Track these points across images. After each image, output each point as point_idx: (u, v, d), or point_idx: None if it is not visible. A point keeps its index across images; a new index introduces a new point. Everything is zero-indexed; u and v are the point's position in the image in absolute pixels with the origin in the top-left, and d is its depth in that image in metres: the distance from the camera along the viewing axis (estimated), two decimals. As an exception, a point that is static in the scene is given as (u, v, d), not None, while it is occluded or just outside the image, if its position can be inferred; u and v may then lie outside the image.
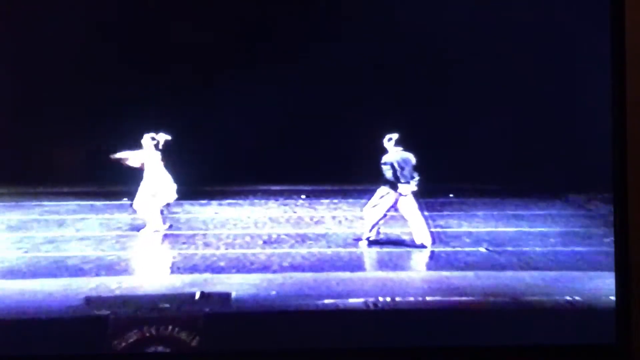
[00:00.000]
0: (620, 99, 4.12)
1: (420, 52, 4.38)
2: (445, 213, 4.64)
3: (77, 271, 4.01)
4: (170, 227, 4.40)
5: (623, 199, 4.06)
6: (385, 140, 4.38)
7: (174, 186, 4.57)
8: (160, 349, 3.54)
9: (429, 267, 4.18)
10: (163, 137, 4.44)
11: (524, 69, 4.37)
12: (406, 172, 4.30)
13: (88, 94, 4.31)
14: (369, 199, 4.61)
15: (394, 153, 4.32)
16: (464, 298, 3.84)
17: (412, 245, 4.39)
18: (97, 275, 3.96)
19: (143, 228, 4.52)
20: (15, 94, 4.32)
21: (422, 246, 4.39)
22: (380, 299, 3.80)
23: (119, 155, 4.34)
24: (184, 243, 4.36)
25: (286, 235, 4.45)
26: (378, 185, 4.44)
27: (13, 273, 4.08)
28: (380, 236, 4.44)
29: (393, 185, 4.35)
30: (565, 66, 4.41)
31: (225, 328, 3.62)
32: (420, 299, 3.82)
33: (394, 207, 4.48)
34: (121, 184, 4.51)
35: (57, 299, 3.72)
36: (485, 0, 4.38)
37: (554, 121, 4.36)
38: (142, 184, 4.50)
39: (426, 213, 4.56)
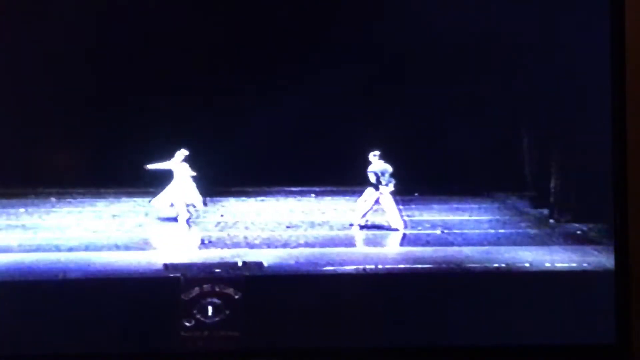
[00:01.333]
0: (620, 100, 4.20)
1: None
2: (412, 206, 5.09)
3: (157, 246, 4.80)
4: (222, 216, 5.08)
5: (623, 199, 4.20)
6: (371, 155, 4.81)
7: (199, 196, 5.01)
8: (214, 300, 4.35)
9: (401, 244, 4.87)
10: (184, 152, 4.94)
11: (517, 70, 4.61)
12: (385, 178, 4.91)
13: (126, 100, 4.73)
14: (360, 196, 5.04)
15: (377, 164, 4.90)
16: (424, 266, 4.58)
17: (389, 229, 5.00)
18: (171, 249, 4.76)
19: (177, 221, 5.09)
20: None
21: (396, 229, 5.00)
22: (367, 266, 4.58)
23: (152, 166, 4.87)
24: (230, 227, 5.01)
25: (301, 221, 5.13)
26: (366, 187, 4.97)
27: (117, 247, 4.73)
28: (368, 223, 5.04)
29: (376, 187, 4.96)
30: (563, 66, 4.57)
31: (259, 286, 4.41)
32: (395, 266, 4.61)
33: (376, 202, 5.02)
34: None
35: (144, 265, 4.55)
36: (485, 1, 4.71)
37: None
38: (168, 188, 5.00)
39: (400, 207, 5.02)
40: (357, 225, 5.02)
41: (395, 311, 4.31)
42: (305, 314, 4.31)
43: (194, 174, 4.89)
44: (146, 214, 5.05)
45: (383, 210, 5.05)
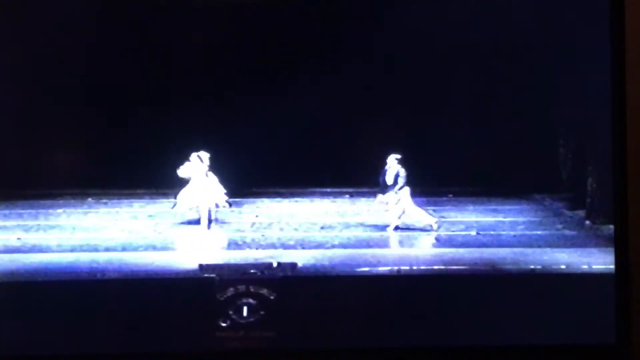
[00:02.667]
0: (620, 100, 4.15)
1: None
2: (447, 207, 5.15)
3: (192, 246, 4.86)
4: (257, 216, 5.12)
5: (623, 199, 4.16)
6: (392, 158, 4.86)
7: (220, 194, 5.00)
8: (249, 300, 4.33)
9: (435, 246, 4.85)
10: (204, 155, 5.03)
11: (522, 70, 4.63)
12: (401, 180, 4.90)
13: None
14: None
15: (395, 167, 4.92)
16: (459, 267, 4.56)
17: (423, 229, 4.99)
18: (206, 249, 4.81)
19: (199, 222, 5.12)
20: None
21: (430, 228, 4.99)
22: (402, 268, 4.57)
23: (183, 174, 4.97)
24: (265, 228, 5.02)
25: (335, 222, 5.14)
26: (411, 188, 4.92)
27: (153, 247, 4.77)
28: (400, 224, 5.06)
29: (395, 188, 4.96)
30: (564, 66, 4.59)
31: (293, 287, 4.41)
32: (429, 267, 4.60)
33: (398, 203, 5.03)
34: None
35: (179, 266, 4.56)
36: (485, 1, 4.72)
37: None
38: (188, 187, 5.02)
39: (434, 208, 5.05)
40: (392, 228, 5.04)
41: (429, 312, 4.28)
42: (340, 314, 4.30)
43: (209, 175, 4.94)
44: (181, 215, 5.10)
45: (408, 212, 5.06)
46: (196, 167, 4.95)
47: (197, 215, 5.11)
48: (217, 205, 5.09)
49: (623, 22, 4.13)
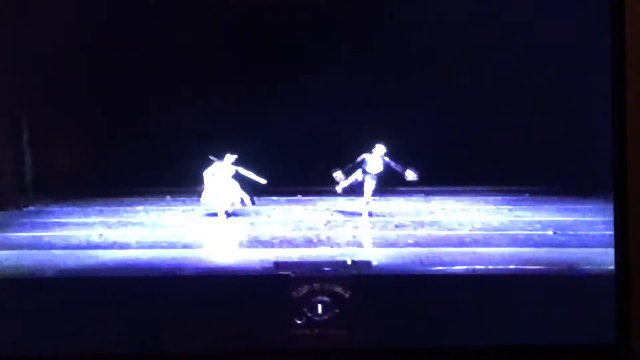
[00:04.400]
0: (621, 100, 4.07)
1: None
2: (523, 206, 5.11)
3: (268, 244, 4.85)
4: (332, 215, 5.18)
5: (623, 199, 4.10)
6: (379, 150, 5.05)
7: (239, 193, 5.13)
8: (324, 298, 4.32)
9: (511, 245, 4.78)
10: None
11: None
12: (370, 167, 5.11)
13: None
14: (472, 197, 5.28)
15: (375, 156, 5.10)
16: (536, 267, 4.52)
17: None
18: (282, 247, 4.80)
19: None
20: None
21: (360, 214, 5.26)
22: (477, 267, 4.57)
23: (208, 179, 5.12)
24: (339, 226, 5.03)
25: (410, 221, 5.13)
26: (478, 187, 5.29)
27: (229, 245, 4.85)
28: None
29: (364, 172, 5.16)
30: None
31: (368, 285, 4.39)
32: (505, 267, 4.56)
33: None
34: (296, 184, 5.36)
35: (255, 263, 4.58)
36: (485, 0, 4.73)
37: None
38: (213, 186, 5.16)
39: (510, 207, 5.12)
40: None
41: (504, 311, 4.21)
42: (414, 313, 4.27)
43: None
44: (257, 213, 5.17)
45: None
46: (220, 167, 5.08)
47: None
48: (242, 202, 5.17)
49: (623, 22, 4.06)
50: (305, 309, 4.33)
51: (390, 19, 4.67)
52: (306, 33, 4.72)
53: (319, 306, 4.35)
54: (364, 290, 4.37)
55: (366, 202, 5.19)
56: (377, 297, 4.37)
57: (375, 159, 5.09)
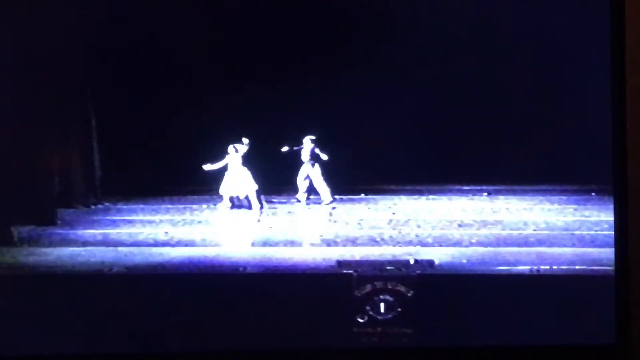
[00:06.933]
0: (621, 100, 4.10)
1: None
2: (588, 206, 4.98)
3: (331, 243, 4.82)
4: (394, 214, 5.07)
5: (623, 199, 4.12)
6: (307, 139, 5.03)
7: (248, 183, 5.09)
8: (386, 297, 4.34)
9: (576, 245, 4.68)
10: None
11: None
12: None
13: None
14: (536, 196, 5.21)
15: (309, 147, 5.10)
16: (602, 267, 4.40)
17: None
18: (344, 246, 4.77)
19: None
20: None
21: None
22: (541, 267, 4.50)
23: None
24: (402, 225, 4.94)
25: (473, 220, 5.02)
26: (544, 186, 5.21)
27: (292, 243, 4.80)
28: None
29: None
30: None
31: (431, 284, 4.38)
32: (570, 267, 4.49)
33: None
34: (359, 182, 5.25)
35: (318, 262, 4.59)
36: (485, 0, 4.73)
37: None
38: (226, 178, 5.08)
39: (575, 206, 5.01)
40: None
41: (570, 312, 4.19)
42: (476, 312, 4.25)
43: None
44: (319, 211, 5.13)
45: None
46: (232, 158, 5.04)
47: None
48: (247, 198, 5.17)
49: (623, 22, 4.08)
50: (367, 308, 4.32)
51: (394, 19, 4.62)
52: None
53: (382, 305, 4.34)
54: (427, 290, 4.35)
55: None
56: (440, 296, 4.36)
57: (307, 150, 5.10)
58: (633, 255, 4.10)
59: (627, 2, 4.12)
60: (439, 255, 4.59)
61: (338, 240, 4.84)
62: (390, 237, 4.82)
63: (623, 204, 4.13)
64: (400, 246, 4.68)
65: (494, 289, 4.34)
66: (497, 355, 4.23)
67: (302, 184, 5.20)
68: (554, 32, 4.56)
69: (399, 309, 4.30)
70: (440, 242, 4.76)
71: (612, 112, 4.19)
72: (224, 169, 5.04)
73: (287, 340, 4.27)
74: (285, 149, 5.06)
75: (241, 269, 4.53)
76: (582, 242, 4.73)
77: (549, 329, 4.23)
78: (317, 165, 5.12)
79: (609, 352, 4.18)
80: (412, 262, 4.49)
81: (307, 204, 5.18)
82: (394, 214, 5.10)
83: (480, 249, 4.70)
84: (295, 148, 5.10)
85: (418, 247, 4.68)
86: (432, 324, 4.27)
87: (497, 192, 5.28)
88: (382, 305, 4.32)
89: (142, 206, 5.26)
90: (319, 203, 5.16)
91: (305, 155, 5.13)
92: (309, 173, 5.16)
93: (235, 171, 5.06)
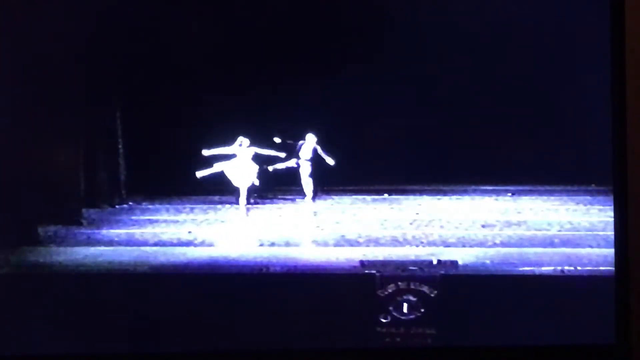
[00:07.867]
0: (621, 99, 4.07)
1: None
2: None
3: (354, 243, 4.80)
4: (417, 214, 5.05)
5: (623, 198, 4.10)
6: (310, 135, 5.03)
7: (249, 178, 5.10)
8: (410, 297, 4.33)
9: (601, 246, 4.59)
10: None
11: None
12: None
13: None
14: (560, 197, 5.21)
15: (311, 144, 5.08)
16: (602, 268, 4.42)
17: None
18: (367, 246, 4.76)
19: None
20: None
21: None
22: (566, 268, 4.47)
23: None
24: (426, 226, 4.95)
25: (496, 221, 5.01)
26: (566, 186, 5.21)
27: (316, 243, 4.80)
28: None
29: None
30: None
31: (454, 285, 4.37)
32: (595, 268, 4.44)
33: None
34: (382, 183, 5.31)
35: (341, 262, 4.57)
36: (485, 0, 4.73)
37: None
38: (232, 171, 5.10)
39: (600, 206, 4.89)
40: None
41: (594, 312, 4.15)
42: (500, 313, 4.23)
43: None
44: (343, 212, 5.13)
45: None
46: (236, 150, 5.04)
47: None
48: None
49: (623, 22, 4.05)
50: (390, 308, 4.31)
51: (395, 19, 4.61)
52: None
53: (405, 305, 4.32)
54: (450, 290, 4.34)
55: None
56: (463, 296, 4.35)
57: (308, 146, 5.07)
58: (633, 256, 4.08)
59: (627, 2, 4.10)
60: (463, 256, 4.57)
61: (361, 240, 4.81)
62: (414, 237, 4.80)
63: (623, 204, 4.12)
64: (423, 246, 4.68)
65: (517, 290, 4.31)
66: (507, 354, 4.19)
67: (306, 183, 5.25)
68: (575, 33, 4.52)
69: (422, 309, 4.29)
70: (464, 243, 4.75)
71: (612, 114, 4.15)
72: (230, 157, 5.06)
73: (311, 340, 4.24)
74: (277, 139, 5.05)
75: (264, 269, 4.51)
76: (608, 243, 4.52)
77: (549, 328, 4.20)
78: (311, 163, 5.12)
79: (609, 351, 4.16)
80: (435, 262, 4.47)
81: (313, 200, 5.18)
82: (417, 214, 5.09)
83: (504, 249, 4.66)
84: (295, 142, 5.10)
85: (441, 248, 4.68)
86: (455, 324, 4.26)
87: (521, 193, 5.27)
88: (405, 305, 4.31)
89: (167, 206, 5.28)
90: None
91: (306, 152, 5.12)
92: (305, 170, 5.17)
93: (241, 163, 5.07)
